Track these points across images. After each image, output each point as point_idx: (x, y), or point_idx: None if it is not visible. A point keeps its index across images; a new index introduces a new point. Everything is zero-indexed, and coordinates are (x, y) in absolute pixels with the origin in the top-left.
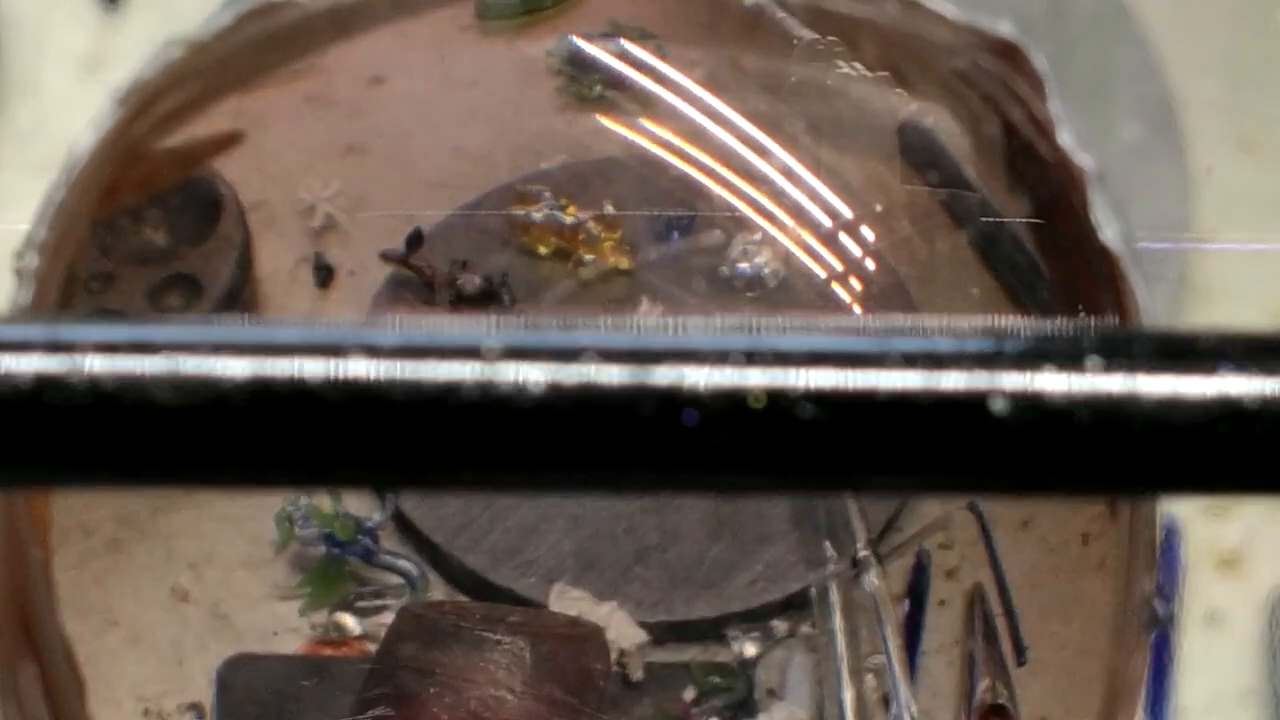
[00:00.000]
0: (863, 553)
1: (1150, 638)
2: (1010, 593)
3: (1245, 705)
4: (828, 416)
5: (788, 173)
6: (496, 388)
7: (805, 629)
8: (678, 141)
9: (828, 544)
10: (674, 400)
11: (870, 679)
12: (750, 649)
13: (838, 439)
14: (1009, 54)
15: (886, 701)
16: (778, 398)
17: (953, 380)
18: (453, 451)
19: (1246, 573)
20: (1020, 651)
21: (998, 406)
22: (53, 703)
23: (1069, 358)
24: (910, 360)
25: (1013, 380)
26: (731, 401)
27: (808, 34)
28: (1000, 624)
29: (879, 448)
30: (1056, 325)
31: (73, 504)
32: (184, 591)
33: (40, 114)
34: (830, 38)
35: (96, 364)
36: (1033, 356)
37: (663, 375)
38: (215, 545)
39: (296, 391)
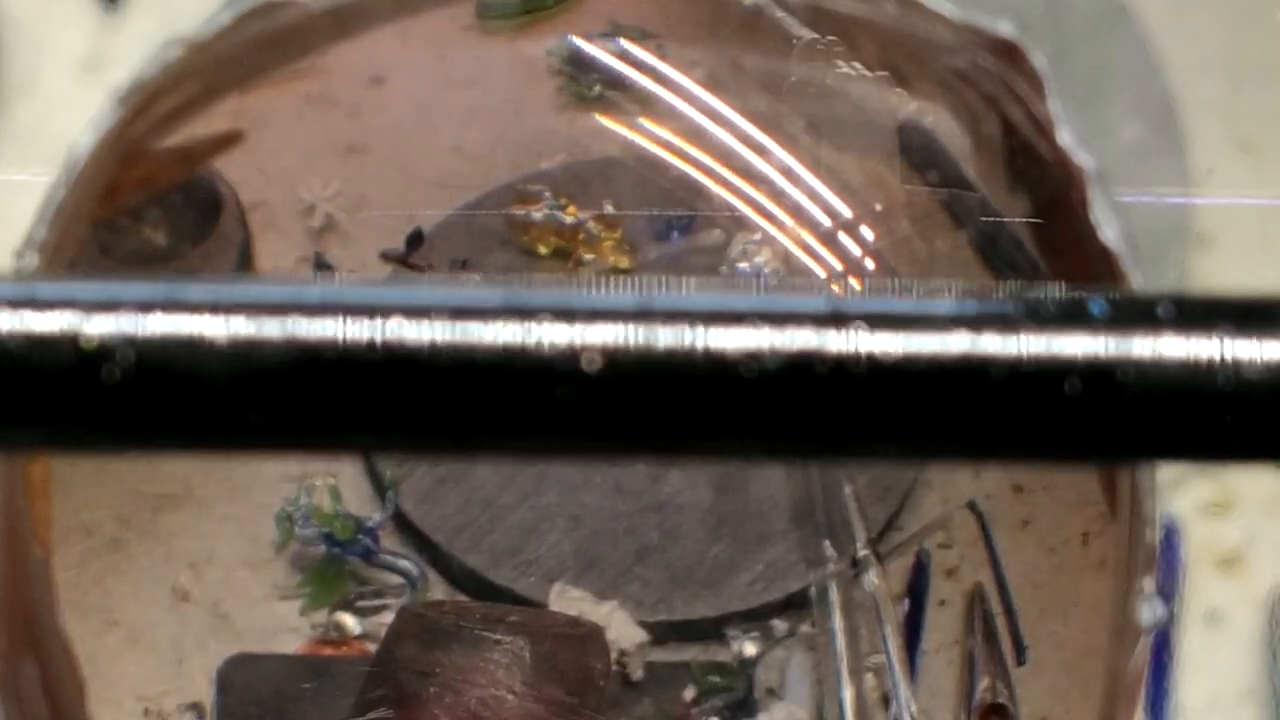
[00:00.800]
0: (863, 552)
1: (1150, 637)
2: (1010, 592)
3: (1245, 704)
4: (885, 381)
5: (787, 172)
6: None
7: (805, 628)
8: (677, 141)
9: (827, 544)
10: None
11: (870, 678)
12: (750, 648)
13: (899, 406)
14: (1008, 53)
15: (886, 700)
16: (841, 363)
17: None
18: (498, 419)
19: (1246, 572)
20: (1020, 651)
21: (1072, 379)
22: (53, 702)
23: (1148, 324)
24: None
25: (1087, 346)
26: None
27: (807, 34)
28: (1000, 623)
29: (945, 416)
30: (1132, 292)
31: (73, 504)
32: (184, 591)
33: (40, 114)
34: (830, 37)
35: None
36: (1109, 323)
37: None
38: (215, 545)
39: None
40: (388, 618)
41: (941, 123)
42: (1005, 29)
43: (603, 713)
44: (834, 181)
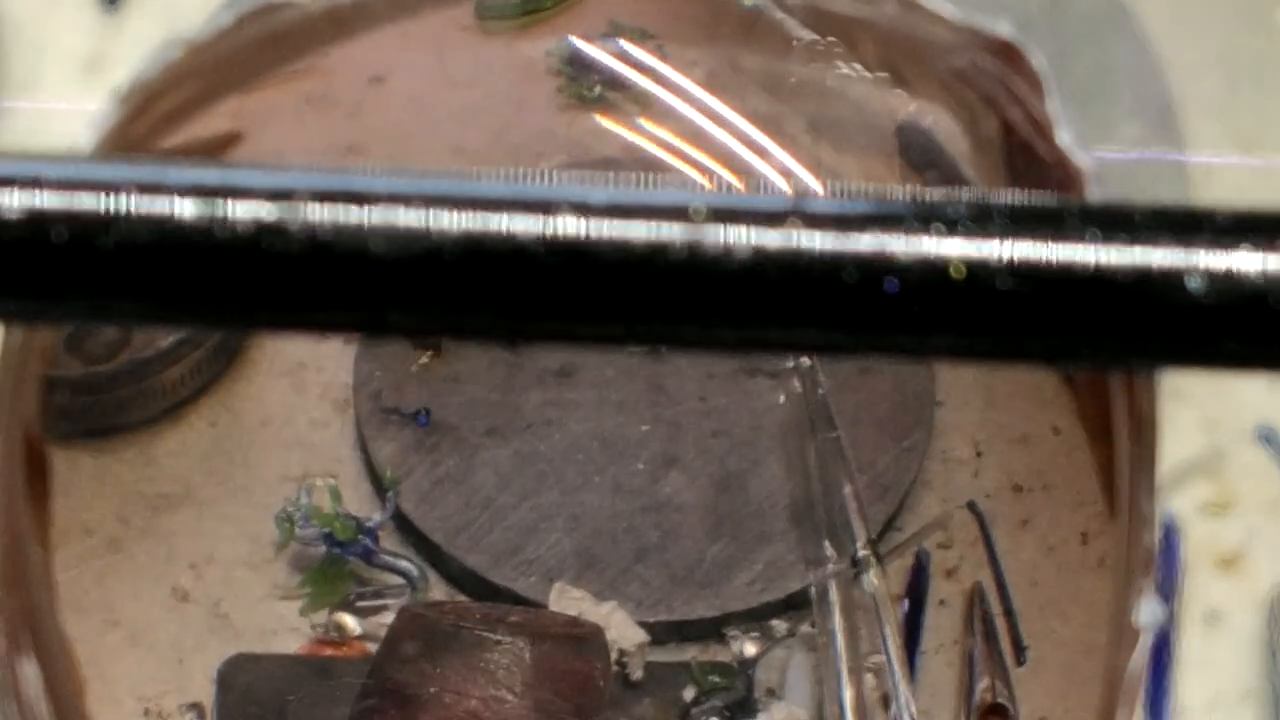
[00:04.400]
0: (862, 552)
1: (1150, 637)
2: (1010, 592)
3: (1245, 704)
4: (1026, 289)
5: (787, 173)
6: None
7: (805, 628)
8: (677, 142)
9: (827, 544)
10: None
11: (870, 678)
12: (750, 648)
13: (1034, 310)
14: (1008, 54)
15: (886, 701)
16: (978, 269)
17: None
18: (657, 311)
19: (1246, 572)
20: (1020, 650)
21: (1194, 284)
22: (53, 702)
23: (1267, 237)
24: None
25: (1209, 259)
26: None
27: (807, 34)
28: (1000, 623)
29: (1072, 320)
30: (1254, 209)
31: (73, 504)
32: (184, 591)
33: (40, 114)
34: (829, 38)
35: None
36: (1232, 234)
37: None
38: (216, 545)
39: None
40: (388, 618)
41: (941, 123)
42: (1005, 30)
43: (602, 713)
44: (834, 181)
